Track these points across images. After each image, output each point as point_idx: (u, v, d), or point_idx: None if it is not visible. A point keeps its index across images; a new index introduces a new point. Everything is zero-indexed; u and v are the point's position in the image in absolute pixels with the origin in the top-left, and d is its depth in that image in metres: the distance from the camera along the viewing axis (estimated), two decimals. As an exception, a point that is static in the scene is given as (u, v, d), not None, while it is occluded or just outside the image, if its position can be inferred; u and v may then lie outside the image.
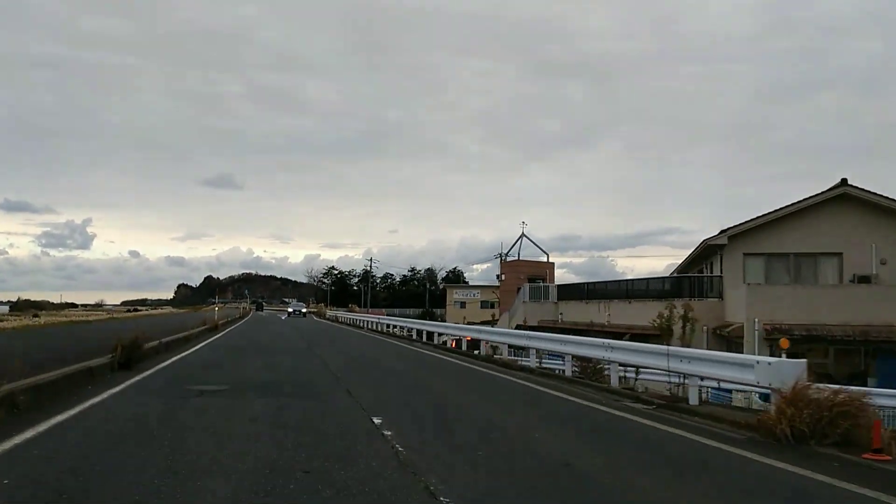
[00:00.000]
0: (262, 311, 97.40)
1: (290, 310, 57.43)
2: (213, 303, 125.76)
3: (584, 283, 35.86)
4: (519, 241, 57.16)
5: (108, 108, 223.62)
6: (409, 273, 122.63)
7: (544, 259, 55.25)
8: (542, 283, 38.66)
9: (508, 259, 56.41)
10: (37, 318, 37.14)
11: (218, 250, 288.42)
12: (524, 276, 45.22)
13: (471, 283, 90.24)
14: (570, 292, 35.08)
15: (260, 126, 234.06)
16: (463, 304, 73.81)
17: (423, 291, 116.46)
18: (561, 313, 33.04)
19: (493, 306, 69.99)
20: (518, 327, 29.94)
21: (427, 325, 27.45)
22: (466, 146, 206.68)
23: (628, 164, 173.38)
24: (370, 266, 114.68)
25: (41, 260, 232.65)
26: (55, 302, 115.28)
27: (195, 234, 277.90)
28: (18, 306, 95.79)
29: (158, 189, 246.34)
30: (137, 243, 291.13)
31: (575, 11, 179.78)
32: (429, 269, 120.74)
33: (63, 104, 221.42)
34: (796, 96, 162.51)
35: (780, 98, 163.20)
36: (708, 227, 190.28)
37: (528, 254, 56.22)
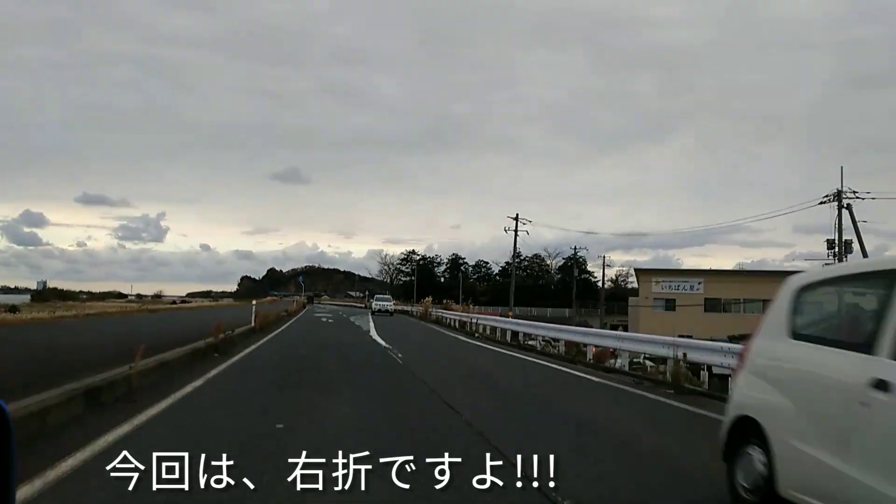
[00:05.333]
0: (312, 304, 75.15)
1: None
2: (274, 295, 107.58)
3: None
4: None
5: (183, 105, 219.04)
6: (518, 260, 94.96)
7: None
8: None
9: None
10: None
11: (284, 245, 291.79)
12: None
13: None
14: None
15: (326, 121, 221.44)
16: (671, 304, 44.40)
17: (533, 284, 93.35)
18: None
19: (725, 309, 45.64)
20: None
21: None
22: (532, 140, 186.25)
23: (698, 159, 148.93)
24: (515, 231, 51.47)
25: (118, 252, 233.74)
26: (124, 292, 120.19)
27: (263, 229, 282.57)
28: (43, 295, 79.95)
29: (230, 184, 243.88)
30: (208, 237, 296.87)
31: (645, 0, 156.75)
32: (536, 254, 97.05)
33: (140, 101, 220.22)
34: (881, 88, 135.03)
35: (863, 90, 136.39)
36: (779, 227, 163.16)
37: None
